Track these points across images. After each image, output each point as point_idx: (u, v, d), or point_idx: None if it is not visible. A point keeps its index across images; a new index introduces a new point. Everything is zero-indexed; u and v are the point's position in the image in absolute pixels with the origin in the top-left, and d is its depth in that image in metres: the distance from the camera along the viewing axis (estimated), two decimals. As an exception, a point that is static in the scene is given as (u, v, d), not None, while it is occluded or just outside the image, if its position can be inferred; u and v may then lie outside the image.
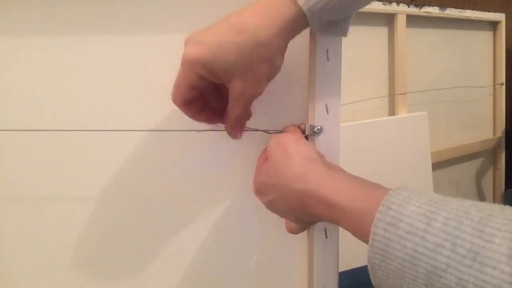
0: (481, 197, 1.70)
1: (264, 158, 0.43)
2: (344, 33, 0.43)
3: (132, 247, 0.47)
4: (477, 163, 1.67)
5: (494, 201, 1.72)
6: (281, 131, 0.45)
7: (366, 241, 0.33)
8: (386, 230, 0.31)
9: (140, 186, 0.47)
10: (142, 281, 0.48)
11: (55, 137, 0.44)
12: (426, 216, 0.30)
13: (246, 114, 0.41)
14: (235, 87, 0.37)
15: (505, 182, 1.71)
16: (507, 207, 0.29)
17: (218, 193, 0.49)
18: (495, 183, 1.72)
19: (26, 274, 0.45)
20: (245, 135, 0.44)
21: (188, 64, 0.37)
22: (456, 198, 0.31)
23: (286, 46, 0.39)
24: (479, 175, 1.68)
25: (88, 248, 0.46)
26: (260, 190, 0.42)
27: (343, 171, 0.40)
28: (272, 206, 0.41)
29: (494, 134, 1.69)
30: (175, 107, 0.41)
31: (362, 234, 0.34)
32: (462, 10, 1.47)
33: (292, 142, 0.40)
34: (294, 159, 0.39)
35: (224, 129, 0.43)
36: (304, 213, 0.39)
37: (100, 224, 0.46)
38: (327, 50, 0.43)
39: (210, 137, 0.46)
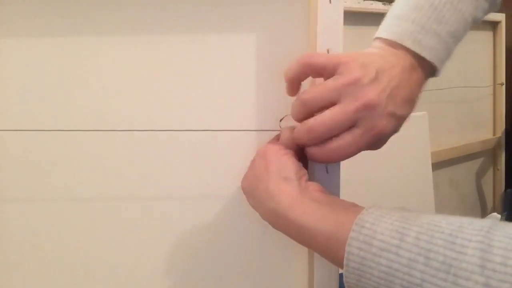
0: (481, 197, 1.69)
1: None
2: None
3: (132, 248, 0.47)
4: (477, 163, 1.67)
5: (494, 201, 1.72)
6: (279, 131, 0.45)
7: (338, 265, 0.33)
8: (360, 248, 0.31)
9: (141, 186, 0.47)
10: (142, 282, 0.48)
11: (56, 138, 0.44)
12: (399, 232, 0.30)
13: None
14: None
15: (505, 182, 1.71)
16: (477, 219, 0.30)
17: (217, 193, 0.49)
18: (495, 183, 1.72)
19: (26, 276, 0.45)
20: (244, 134, 0.44)
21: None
22: (427, 213, 0.32)
23: None
24: (479, 175, 1.68)
25: (86, 249, 0.46)
26: (245, 192, 0.43)
27: (320, 192, 0.39)
28: (254, 209, 0.42)
29: (494, 134, 1.69)
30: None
31: (332, 257, 0.34)
32: (462, 10, 1.47)
33: (275, 158, 0.40)
34: (272, 177, 0.39)
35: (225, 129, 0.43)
36: (277, 230, 0.39)
37: (98, 225, 0.46)
38: (327, 50, 0.43)
39: (209, 137, 0.46)
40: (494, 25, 1.63)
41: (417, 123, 1.26)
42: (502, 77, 1.66)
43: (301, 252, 0.49)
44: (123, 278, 0.48)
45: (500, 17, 1.62)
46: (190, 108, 0.46)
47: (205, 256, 0.49)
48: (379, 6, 1.24)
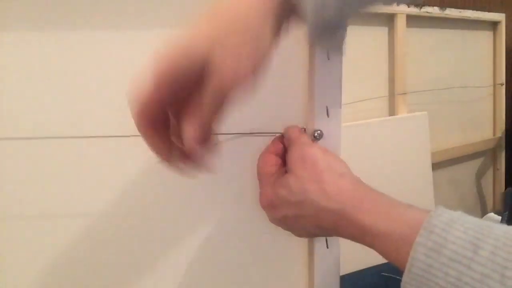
0: (481, 197, 1.69)
1: (273, 168, 0.41)
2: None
3: (132, 252, 0.47)
4: (477, 163, 1.67)
5: (494, 201, 1.72)
6: (277, 133, 0.45)
7: (399, 265, 0.32)
8: (427, 255, 0.29)
9: (141, 189, 0.46)
10: (142, 282, 0.48)
11: (56, 145, 0.44)
12: (473, 243, 0.28)
13: (213, 119, 0.33)
14: (212, 68, 0.30)
15: (505, 182, 1.71)
16: None
17: (216, 199, 0.49)
18: (495, 183, 1.72)
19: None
20: (242, 139, 0.44)
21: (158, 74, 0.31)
22: (499, 224, 0.30)
23: (273, 22, 0.33)
24: (479, 175, 1.68)
25: (85, 250, 0.46)
26: (274, 205, 0.39)
27: (371, 187, 0.38)
28: (287, 223, 0.39)
29: (494, 134, 1.69)
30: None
31: (399, 260, 0.32)
32: (462, 10, 1.47)
33: (320, 155, 0.38)
34: (327, 176, 0.36)
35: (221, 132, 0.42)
36: (331, 233, 0.37)
37: (97, 227, 0.46)
38: (327, 51, 0.43)
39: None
40: (494, 25, 1.63)
41: (417, 123, 1.26)
42: (502, 77, 1.66)
43: (301, 253, 0.48)
44: (122, 281, 0.48)
45: (500, 17, 1.62)
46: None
47: (205, 257, 0.49)
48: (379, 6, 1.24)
